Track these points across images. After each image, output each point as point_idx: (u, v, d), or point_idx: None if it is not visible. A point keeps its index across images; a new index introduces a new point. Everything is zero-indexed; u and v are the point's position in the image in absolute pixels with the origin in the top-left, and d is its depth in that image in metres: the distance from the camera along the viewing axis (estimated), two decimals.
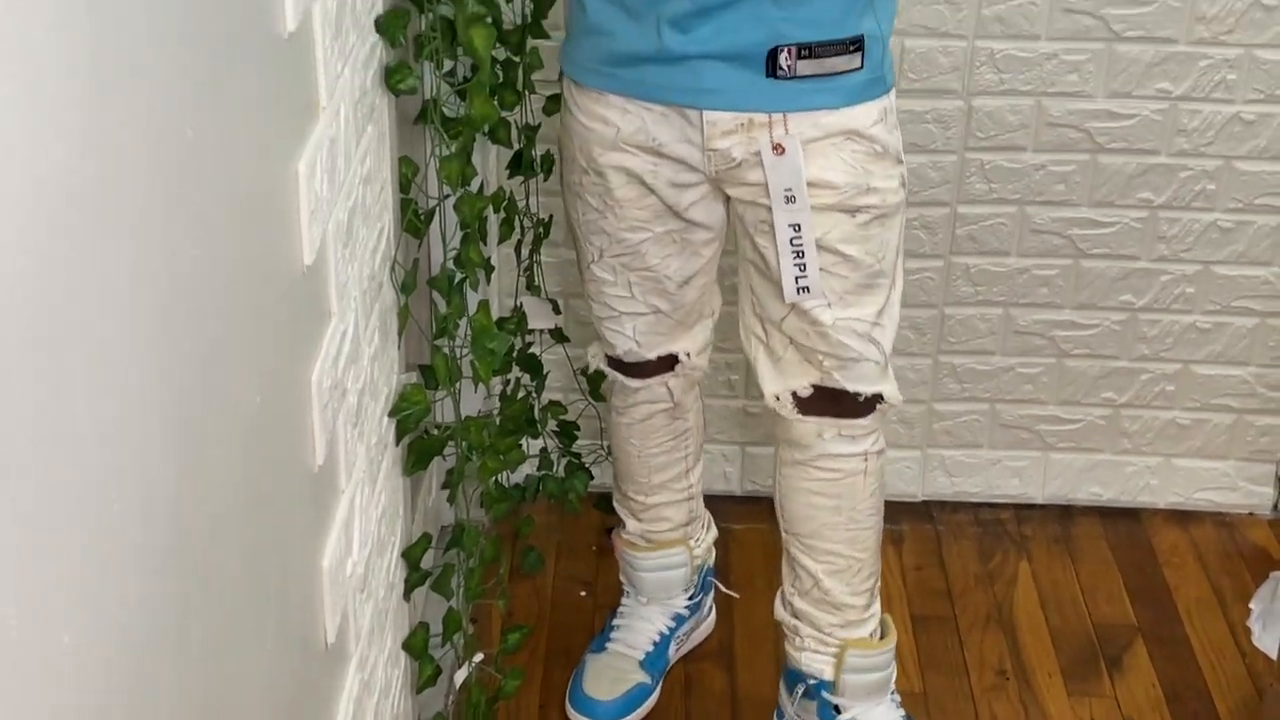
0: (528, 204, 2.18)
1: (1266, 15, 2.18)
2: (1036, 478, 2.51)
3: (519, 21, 2.00)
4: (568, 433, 2.36)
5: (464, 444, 1.79)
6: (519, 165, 2.12)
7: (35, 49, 0.73)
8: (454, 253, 1.78)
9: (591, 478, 2.39)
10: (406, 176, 1.71)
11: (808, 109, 1.66)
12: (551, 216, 2.25)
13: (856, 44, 1.65)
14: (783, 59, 1.62)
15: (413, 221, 1.72)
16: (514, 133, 2.02)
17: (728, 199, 1.79)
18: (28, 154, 0.73)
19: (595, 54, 1.72)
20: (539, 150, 2.13)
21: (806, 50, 1.62)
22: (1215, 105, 2.24)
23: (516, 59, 1.99)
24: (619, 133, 1.74)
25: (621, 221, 1.81)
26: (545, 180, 2.18)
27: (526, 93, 2.03)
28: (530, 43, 2.00)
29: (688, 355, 1.95)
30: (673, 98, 1.69)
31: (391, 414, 1.67)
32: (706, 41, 1.63)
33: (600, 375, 2.32)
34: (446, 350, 1.75)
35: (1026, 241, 2.34)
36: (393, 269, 1.65)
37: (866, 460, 1.87)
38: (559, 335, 2.28)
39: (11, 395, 0.72)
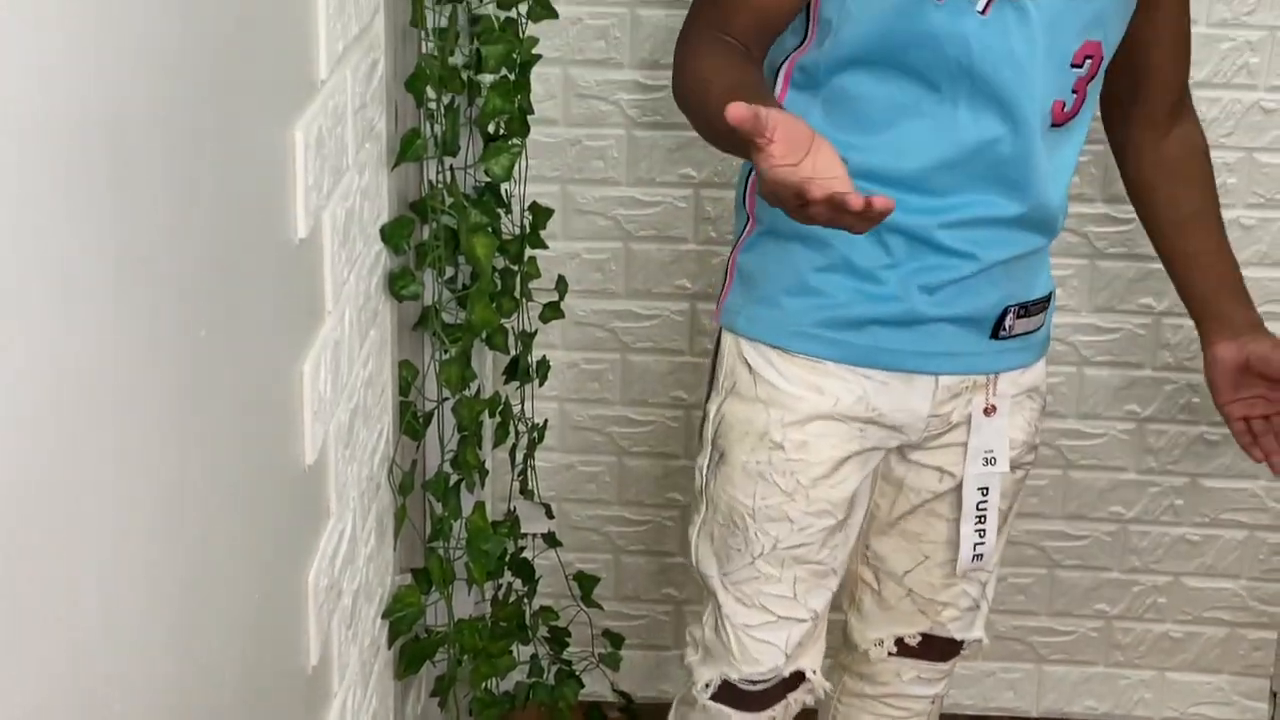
0: (523, 409, 2.21)
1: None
2: (1031, 690, 2.50)
3: (517, 232, 2.06)
4: (559, 640, 2.35)
5: (457, 647, 1.79)
6: (515, 371, 2.15)
7: (63, 249, 0.76)
8: (451, 455, 1.80)
9: (582, 686, 2.37)
10: (406, 380, 1.74)
11: (1014, 367, 1.62)
12: (546, 421, 2.27)
13: (1050, 299, 1.65)
14: (1008, 319, 1.59)
15: (411, 424, 1.75)
16: (510, 339, 2.07)
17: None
18: (50, 349, 0.75)
19: (811, 318, 1.57)
20: (534, 356, 2.17)
21: (1023, 309, 1.60)
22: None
23: (515, 268, 2.04)
24: (837, 403, 1.57)
25: (811, 505, 1.60)
26: (540, 386, 2.22)
27: (524, 300, 2.08)
28: (528, 252, 2.06)
29: (814, 672, 1.70)
30: (907, 364, 1.57)
31: (385, 615, 1.67)
32: (947, 305, 1.56)
33: (593, 580, 2.32)
34: (441, 553, 1.76)
35: None
36: (390, 470, 1.67)
37: (934, 703, 1.83)
38: (551, 540, 2.29)
39: (18, 584, 0.73)
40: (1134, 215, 1.83)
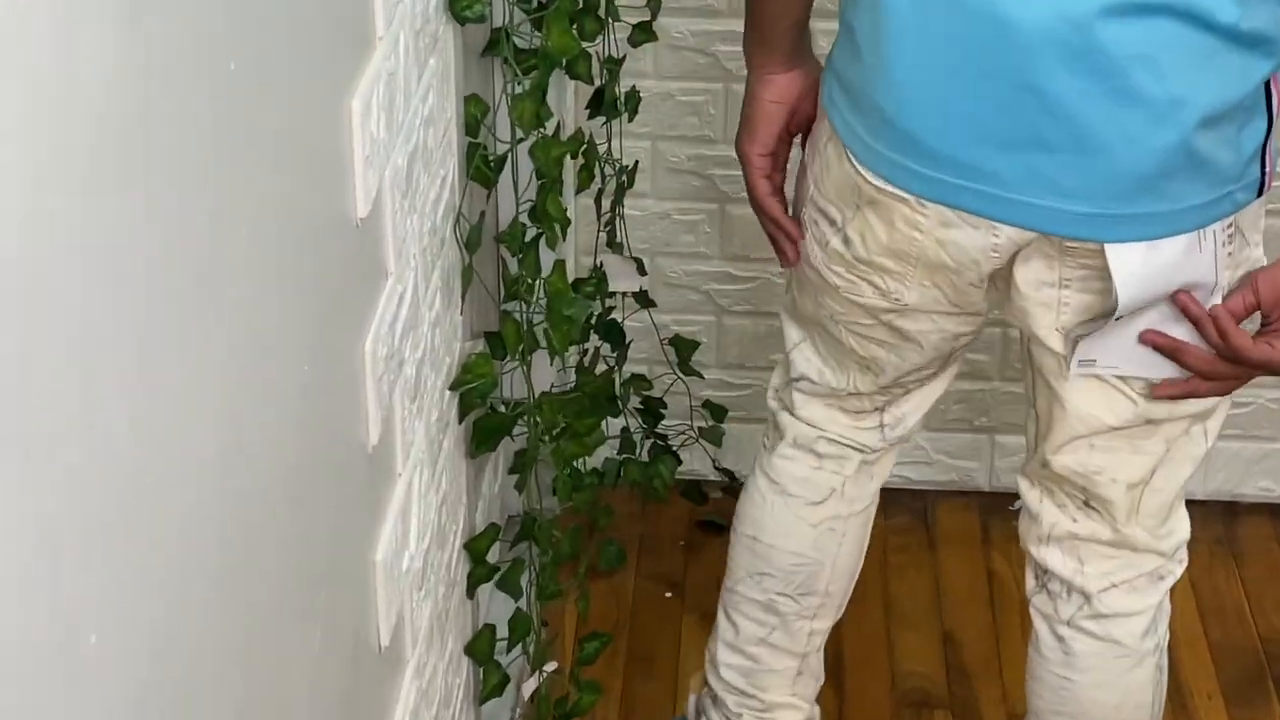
0: (609, 148, 2.18)
1: None
2: (1198, 470, 2.49)
3: None
4: (653, 412, 2.36)
5: (536, 423, 1.80)
6: (600, 104, 2.12)
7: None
8: (528, 205, 1.78)
9: (679, 462, 2.39)
10: (474, 117, 1.71)
11: None
12: (636, 163, 2.24)
13: None
14: None
15: (480, 169, 1.73)
16: (595, 67, 2.02)
17: None
18: (61, 86, 0.73)
19: None
20: (623, 86, 2.13)
21: None
22: None
23: None
24: None
25: None
26: (630, 121, 2.18)
27: (610, 20, 2.03)
28: None
29: None
30: None
31: (453, 387, 1.68)
32: None
33: (692, 344, 2.32)
34: (517, 316, 1.75)
35: None
36: (457, 223, 1.66)
37: None
38: (644, 299, 2.28)
39: (57, 377, 0.73)
40: None
